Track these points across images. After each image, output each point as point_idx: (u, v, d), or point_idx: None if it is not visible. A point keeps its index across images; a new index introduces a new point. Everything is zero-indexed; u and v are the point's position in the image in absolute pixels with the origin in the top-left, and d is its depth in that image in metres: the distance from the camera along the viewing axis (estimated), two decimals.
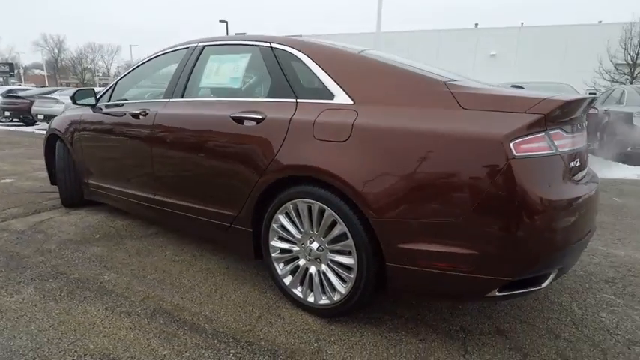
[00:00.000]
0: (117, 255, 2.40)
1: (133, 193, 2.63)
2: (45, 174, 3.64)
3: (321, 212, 1.66)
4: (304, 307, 1.80)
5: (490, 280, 1.37)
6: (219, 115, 1.99)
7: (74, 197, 3.28)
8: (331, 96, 1.70)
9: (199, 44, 2.36)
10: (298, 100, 1.78)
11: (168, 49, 2.64)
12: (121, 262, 2.29)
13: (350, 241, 1.58)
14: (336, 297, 1.68)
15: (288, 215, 1.79)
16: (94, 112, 2.89)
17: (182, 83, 2.32)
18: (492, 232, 1.32)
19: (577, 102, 1.42)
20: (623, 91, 6.66)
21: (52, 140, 3.39)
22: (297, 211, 1.75)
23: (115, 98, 2.85)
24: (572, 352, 1.57)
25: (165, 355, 1.49)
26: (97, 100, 2.87)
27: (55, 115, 3.75)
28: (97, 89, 3.17)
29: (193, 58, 2.33)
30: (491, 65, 30.33)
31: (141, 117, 2.44)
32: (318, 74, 1.77)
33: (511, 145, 1.29)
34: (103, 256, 2.38)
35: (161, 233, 2.77)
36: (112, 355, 1.47)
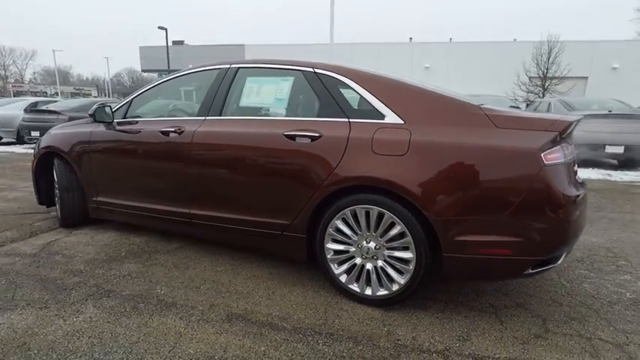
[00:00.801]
0: (156, 270, 2.44)
1: (159, 209, 2.67)
2: (15, 194, 3.44)
3: (380, 216, 1.94)
4: (361, 300, 2.06)
5: (527, 260, 1.76)
6: (270, 133, 2.19)
7: (76, 216, 3.17)
8: (382, 116, 2.00)
9: (232, 65, 2.52)
10: (351, 120, 2.05)
11: (192, 69, 2.75)
12: (166, 277, 2.34)
13: (409, 239, 1.88)
14: (395, 287, 1.97)
15: (345, 220, 2.04)
16: (108, 129, 2.86)
17: (219, 102, 2.45)
18: (530, 223, 1.72)
19: (576, 122, 1.88)
20: (550, 103, 7.84)
21: (43, 158, 3.25)
22: (354, 215, 2.01)
23: (130, 116, 2.86)
24: (576, 314, 2.02)
25: (263, 350, 1.65)
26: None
27: None
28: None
29: (228, 78, 2.48)
30: (425, 77, 32.78)
31: (172, 134, 2.52)
32: (366, 97, 2.07)
33: (542, 155, 1.69)
34: (141, 272, 2.41)
35: (185, 247, 2.83)
36: (216, 357, 1.60)
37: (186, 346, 1.67)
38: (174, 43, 36.42)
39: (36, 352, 1.61)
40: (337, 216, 2.04)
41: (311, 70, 2.26)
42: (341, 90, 2.15)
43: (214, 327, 1.82)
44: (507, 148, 1.74)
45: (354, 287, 2.07)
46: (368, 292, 2.04)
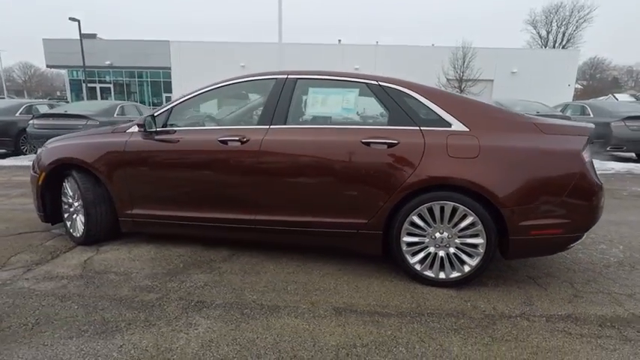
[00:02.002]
0: (229, 278, 2.47)
1: (214, 217, 2.69)
2: None
3: (454, 209, 2.28)
4: (436, 283, 2.38)
5: (571, 237, 2.26)
6: (347, 141, 2.39)
7: (103, 232, 2.98)
8: (448, 125, 2.34)
9: (290, 76, 2.65)
10: (422, 128, 2.36)
11: (240, 78, 2.79)
12: (245, 283, 2.40)
13: (480, 227, 2.25)
14: (467, 269, 2.33)
15: (420, 215, 2.34)
16: (148, 138, 2.76)
17: (282, 111, 2.57)
18: (576, 207, 2.20)
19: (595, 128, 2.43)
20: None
21: (53, 172, 2.98)
22: (429, 210, 2.32)
23: (172, 124, 2.80)
24: (589, 277, 2.59)
25: (390, 334, 1.88)
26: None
27: None
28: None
29: (288, 88, 2.60)
30: None
31: (232, 143, 2.57)
32: (432, 108, 2.39)
33: (582, 154, 2.19)
34: (216, 281, 2.42)
35: (237, 253, 2.86)
36: (358, 344, 1.79)
37: (325, 339, 1.83)
38: (85, 36, 32.89)
39: None
40: (414, 212, 2.33)
41: (375, 82, 2.51)
42: (407, 101, 2.44)
43: (333, 321, 1.99)
44: (558, 150, 2.20)
45: (429, 273, 2.39)
46: (442, 275, 2.37)
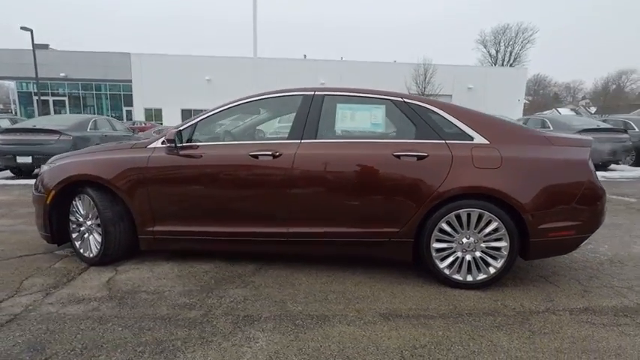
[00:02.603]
0: (267, 291, 2.48)
1: (243, 231, 2.70)
2: None
3: (480, 216, 2.47)
4: (463, 285, 2.54)
5: (582, 237, 2.52)
6: (379, 154, 2.52)
7: (121, 251, 2.88)
8: (471, 138, 2.55)
9: (317, 93, 2.76)
10: (447, 142, 2.54)
11: (263, 95, 2.86)
12: (284, 295, 2.43)
13: (504, 231, 2.45)
14: (492, 271, 2.51)
15: (449, 222, 2.51)
16: (170, 153, 2.74)
17: (312, 126, 2.66)
18: (586, 210, 2.47)
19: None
20: None
21: (65, 190, 2.86)
22: (457, 217, 2.49)
23: (196, 139, 2.80)
24: (591, 274, 2.87)
25: (442, 334, 2.00)
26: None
27: None
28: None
29: (317, 104, 2.71)
30: None
31: (262, 157, 2.62)
32: (454, 122, 2.59)
33: (589, 163, 2.47)
34: (254, 295, 2.43)
35: (264, 267, 2.87)
36: (417, 345, 1.89)
37: (386, 343, 1.91)
38: (37, 46, 31.05)
39: None
40: (443, 219, 2.50)
41: (400, 99, 2.68)
42: (432, 117, 2.62)
43: (385, 326, 2.08)
44: (568, 159, 2.47)
45: (457, 277, 2.55)
46: (469, 278, 2.54)
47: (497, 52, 51.60)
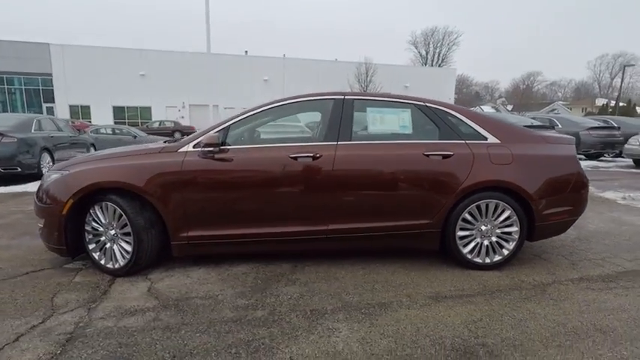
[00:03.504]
0: (317, 286, 2.61)
1: (283, 231, 2.78)
2: None
3: (496, 206, 2.85)
4: (482, 267, 2.91)
5: (573, 220, 3.03)
6: (412, 153, 2.78)
7: (151, 259, 2.79)
8: (485, 138, 2.92)
9: (347, 97, 2.93)
10: (467, 142, 2.88)
11: (294, 99, 2.96)
12: (336, 289, 2.58)
13: (515, 218, 2.86)
14: (505, 252, 2.91)
15: (470, 212, 2.85)
16: (205, 157, 2.72)
17: (346, 129, 2.83)
18: (577, 197, 2.97)
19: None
20: None
21: (84, 199, 2.70)
22: (478, 208, 2.85)
23: (227, 142, 2.81)
24: (571, 249, 3.44)
25: (487, 308, 2.32)
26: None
27: None
28: None
29: (348, 107, 2.88)
30: (265, 89, 34.65)
31: (301, 159, 2.73)
32: (470, 124, 2.94)
33: (577, 157, 2.98)
34: (308, 290, 2.54)
35: (300, 264, 2.98)
36: (474, 319, 2.18)
37: (450, 320, 2.17)
38: None
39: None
40: (466, 210, 2.84)
41: (423, 103, 2.96)
42: (452, 119, 2.94)
43: (439, 306, 2.34)
44: (562, 155, 2.96)
45: (478, 260, 2.91)
46: (487, 260, 2.92)
47: (427, 52, 55.39)
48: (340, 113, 2.87)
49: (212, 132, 2.77)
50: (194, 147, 2.76)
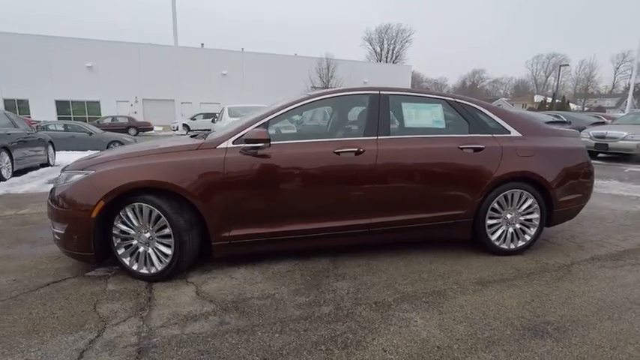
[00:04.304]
0: (367, 279, 2.65)
1: (327, 226, 2.78)
2: None
3: (520, 195, 3.06)
4: (508, 252, 3.11)
5: (582, 206, 3.33)
6: (447, 147, 2.90)
7: (190, 261, 2.66)
8: (508, 132, 3.11)
9: (382, 92, 2.97)
10: (494, 135, 3.05)
11: (328, 94, 2.94)
12: (386, 281, 2.63)
13: (536, 205, 3.09)
14: (528, 238, 3.14)
15: (498, 202, 3.04)
16: (247, 153, 2.63)
17: (384, 123, 2.87)
18: (586, 184, 3.27)
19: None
20: None
21: (116, 200, 2.51)
22: (505, 197, 3.04)
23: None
24: (577, 231, 3.78)
25: (532, 289, 2.50)
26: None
27: None
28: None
29: (384, 103, 2.92)
30: (223, 84, 33.65)
31: (344, 154, 2.74)
32: (496, 119, 3.11)
33: (585, 149, 3.27)
34: (361, 284, 2.57)
35: (336, 259, 2.99)
36: (526, 299, 2.34)
37: (508, 302, 2.31)
38: None
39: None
40: (495, 200, 3.01)
41: (453, 99, 3.09)
42: (479, 115, 3.10)
43: (491, 291, 2.48)
44: (574, 147, 3.23)
45: (504, 246, 3.11)
46: (512, 246, 3.13)
47: (381, 49, 56.79)
48: (377, 108, 2.91)
49: (252, 127, 2.69)
50: (234, 143, 2.67)
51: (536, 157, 3.07)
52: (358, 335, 1.97)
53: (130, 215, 2.56)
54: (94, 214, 2.47)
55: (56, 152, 9.54)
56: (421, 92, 3.12)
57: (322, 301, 2.34)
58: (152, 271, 2.59)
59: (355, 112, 3.17)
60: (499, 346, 1.89)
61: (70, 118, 26.77)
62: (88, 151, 12.58)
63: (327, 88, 31.22)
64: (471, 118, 3.08)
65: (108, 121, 22.72)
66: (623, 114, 16.98)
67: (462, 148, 2.93)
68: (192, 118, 24.36)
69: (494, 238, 3.08)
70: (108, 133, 14.87)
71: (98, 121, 21.96)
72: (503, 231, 3.10)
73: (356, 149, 2.75)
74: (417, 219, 2.91)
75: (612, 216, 4.45)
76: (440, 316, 2.17)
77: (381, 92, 2.98)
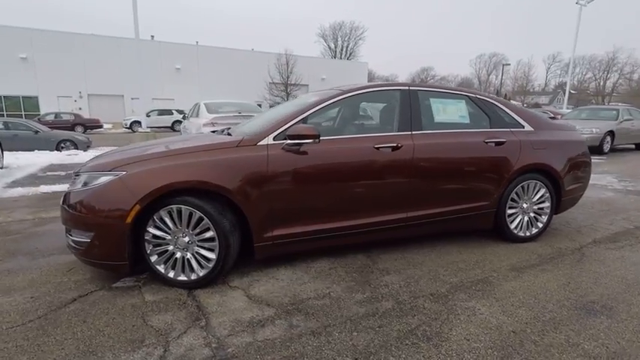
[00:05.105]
0: (411, 272, 2.69)
1: (369, 222, 2.78)
2: None
3: (535, 185, 3.27)
4: (524, 239, 3.32)
5: (582, 194, 3.63)
6: (476, 141, 3.01)
7: (232, 265, 2.53)
8: (522, 126, 3.30)
9: (411, 88, 3.01)
10: (512, 130, 3.23)
11: (360, 89, 2.94)
12: (429, 273, 2.69)
13: (548, 195, 3.33)
14: (540, 225, 3.37)
15: (516, 192, 3.23)
16: (290, 150, 2.55)
17: (417, 119, 2.92)
18: (586, 174, 3.57)
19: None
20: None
21: (153, 203, 2.33)
22: (522, 188, 3.23)
23: None
24: (562, 219, 4.11)
25: (557, 273, 2.69)
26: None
27: None
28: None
29: (415, 99, 2.97)
30: (177, 78, 32.13)
31: (383, 149, 2.76)
32: (512, 114, 3.29)
33: (584, 141, 3.57)
34: (408, 277, 2.61)
35: (372, 255, 3.00)
36: (560, 283, 2.51)
37: (548, 285, 2.47)
38: None
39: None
40: (514, 190, 3.20)
41: (474, 95, 3.22)
42: (497, 110, 3.26)
43: (528, 276, 2.63)
44: (575, 140, 3.51)
45: (521, 233, 3.31)
46: (528, 233, 3.34)
47: (335, 46, 57.36)
48: (409, 104, 2.95)
49: (293, 122, 2.61)
50: (274, 139, 2.57)
51: (549, 149, 3.30)
52: (434, 327, 2.01)
53: (167, 219, 2.37)
54: (128, 220, 2.26)
55: (4, 152, 8.54)
56: (445, 88, 3.22)
57: (380, 297, 2.34)
58: (192, 278, 2.43)
59: (387, 108, 3.18)
60: (565, 326, 2.02)
61: (2, 115, 24.08)
62: (35, 151, 11.44)
63: (286, 84, 30.94)
64: (492, 113, 3.23)
65: (51, 118, 20.73)
66: (570, 110, 18.73)
67: (486, 142, 3.06)
68: (147, 115, 22.99)
69: (512, 226, 3.27)
70: (57, 131, 13.62)
71: (39, 119, 19.97)
72: (520, 219, 3.30)
73: (395, 144, 2.77)
74: (449, 211, 3.01)
75: (589, 203, 4.89)
76: (498, 302, 2.27)
77: (411, 88, 3.02)
